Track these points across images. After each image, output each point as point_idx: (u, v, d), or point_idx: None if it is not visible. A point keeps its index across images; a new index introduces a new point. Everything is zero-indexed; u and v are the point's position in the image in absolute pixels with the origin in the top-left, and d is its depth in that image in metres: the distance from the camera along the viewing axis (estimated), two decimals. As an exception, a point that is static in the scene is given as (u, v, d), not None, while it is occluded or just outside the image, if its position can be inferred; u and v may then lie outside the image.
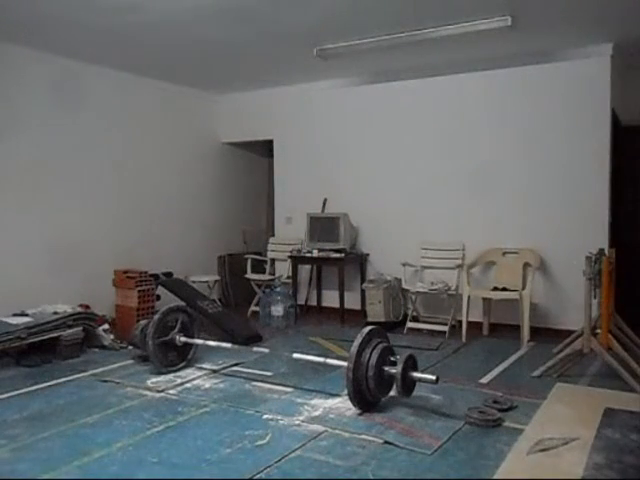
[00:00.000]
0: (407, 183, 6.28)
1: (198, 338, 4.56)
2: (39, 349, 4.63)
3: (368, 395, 3.48)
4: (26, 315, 4.79)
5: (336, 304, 6.33)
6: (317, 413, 3.50)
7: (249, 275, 6.83)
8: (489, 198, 5.82)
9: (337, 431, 3.21)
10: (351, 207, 6.45)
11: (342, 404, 3.61)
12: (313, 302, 6.97)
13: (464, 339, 5.40)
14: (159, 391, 3.92)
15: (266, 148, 7.70)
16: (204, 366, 4.52)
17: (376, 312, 5.90)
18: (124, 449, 2.98)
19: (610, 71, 5.26)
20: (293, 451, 2.94)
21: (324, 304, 6.87)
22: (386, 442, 3.04)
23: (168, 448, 3.00)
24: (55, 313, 4.85)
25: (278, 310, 6.11)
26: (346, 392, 3.50)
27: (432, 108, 6.12)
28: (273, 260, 7.05)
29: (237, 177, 7.81)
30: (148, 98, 6.53)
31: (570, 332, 4.72)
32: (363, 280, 6.37)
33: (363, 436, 3.13)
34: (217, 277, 7.04)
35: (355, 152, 6.58)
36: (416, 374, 3.51)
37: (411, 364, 3.50)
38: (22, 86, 5.24)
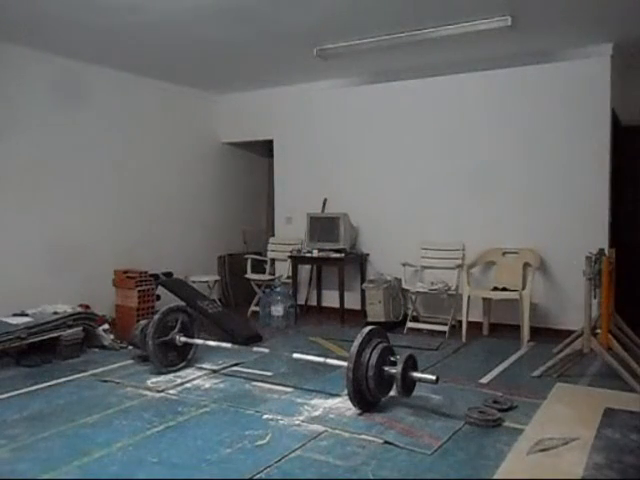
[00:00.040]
0: (407, 183, 6.28)
1: (198, 338, 4.56)
2: (39, 349, 4.63)
3: (368, 395, 3.48)
4: (26, 315, 4.80)
5: (336, 304, 6.33)
6: (317, 413, 3.50)
7: (249, 275, 6.83)
8: (489, 198, 5.82)
9: (337, 431, 3.21)
10: (351, 207, 6.45)
11: (342, 404, 3.61)
12: (313, 302, 6.96)
13: (464, 339, 5.40)
14: (159, 391, 3.92)
15: (266, 148, 7.70)
16: (204, 366, 4.52)
17: (376, 312, 5.90)
18: (124, 449, 2.98)
19: (610, 71, 5.26)
20: (293, 451, 2.94)
21: (324, 304, 6.87)
22: (386, 442, 3.04)
23: (168, 448, 3.00)
24: (55, 313, 4.85)
25: (278, 310, 6.11)
26: (346, 392, 3.50)
27: (432, 108, 6.12)
28: (273, 260, 7.05)
29: (237, 177, 7.81)
30: (148, 98, 6.53)
31: (570, 332, 4.73)
32: (363, 280, 6.37)
33: (363, 436, 3.13)
34: (217, 277, 7.04)
35: (355, 152, 6.58)
36: (416, 374, 3.51)
37: (411, 364, 3.50)
38: (22, 86, 5.24)
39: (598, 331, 4.23)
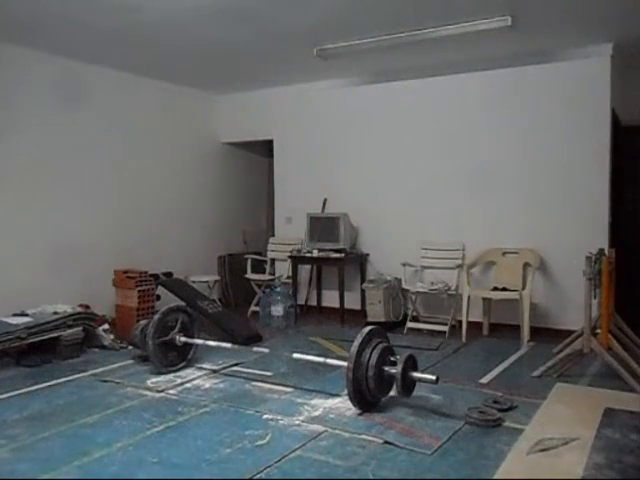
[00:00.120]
0: (407, 183, 6.28)
1: (198, 338, 4.56)
2: (39, 349, 4.63)
3: (368, 395, 3.48)
4: (26, 315, 4.80)
5: (336, 304, 6.33)
6: (317, 413, 3.50)
7: (249, 275, 6.83)
8: (489, 198, 5.82)
9: (337, 431, 3.21)
10: (351, 207, 6.45)
11: (342, 404, 3.61)
12: (313, 302, 6.96)
13: (464, 339, 5.40)
14: (159, 391, 3.92)
15: (266, 148, 7.70)
16: (204, 366, 4.52)
17: (376, 312, 5.90)
18: (124, 449, 2.98)
19: (610, 71, 5.26)
20: (293, 451, 2.94)
21: (324, 304, 6.87)
22: (386, 442, 3.04)
23: (168, 448, 3.00)
24: (55, 313, 4.85)
25: (278, 310, 6.11)
26: (346, 392, 3.50)
27: (432, 108, 6.12)
28: (273, 260, 7.05)
29: (237, 177, 7.81)
30: (148, 98, 6.53)
31: (570, 332, 4.73)
32: (363, 280, 6.37)
33: (363, 436, 3.13)
34: (217, 277, 7.04)
35: (355, 152, 6.58)
36: (416, 374, 3.51)
37: (411, 364, 3.50)
38: (22, 86, 5.24)
39: (598, 331, 4.23)
